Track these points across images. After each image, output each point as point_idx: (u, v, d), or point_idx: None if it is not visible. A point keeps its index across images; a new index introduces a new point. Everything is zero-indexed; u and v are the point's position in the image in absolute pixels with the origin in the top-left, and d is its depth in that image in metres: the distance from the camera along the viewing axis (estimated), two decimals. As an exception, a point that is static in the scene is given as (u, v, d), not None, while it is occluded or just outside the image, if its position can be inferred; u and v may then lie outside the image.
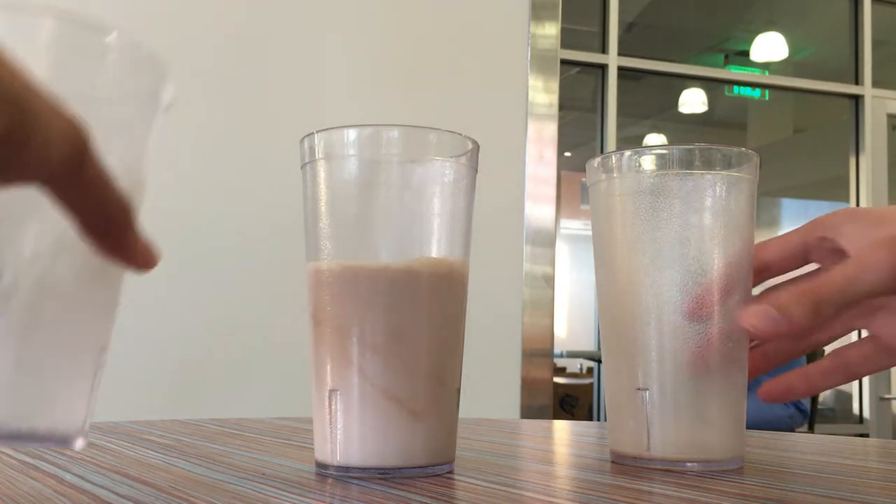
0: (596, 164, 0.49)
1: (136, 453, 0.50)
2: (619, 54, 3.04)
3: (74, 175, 0.26)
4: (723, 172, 0.46)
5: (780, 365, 0.51)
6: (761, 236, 0.49)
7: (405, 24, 2.03)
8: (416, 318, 0.42)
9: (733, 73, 4.15)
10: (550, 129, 2.10)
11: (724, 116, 5.68)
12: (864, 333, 0.50)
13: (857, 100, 3.49)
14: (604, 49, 3.05)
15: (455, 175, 0.44)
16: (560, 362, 5.28)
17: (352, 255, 0.43)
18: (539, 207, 2.08)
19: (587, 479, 0.43)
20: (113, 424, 0.67)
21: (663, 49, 4.69)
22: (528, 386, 2.04)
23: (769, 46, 4.42)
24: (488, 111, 2.05)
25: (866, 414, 3.49)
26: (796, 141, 5.14)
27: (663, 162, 0.46)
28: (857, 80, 3.49)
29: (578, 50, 3.02)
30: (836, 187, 3.88)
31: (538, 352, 2.06)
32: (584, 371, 5.70)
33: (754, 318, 0.42)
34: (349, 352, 0.42)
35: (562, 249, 7.20)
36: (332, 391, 0.42)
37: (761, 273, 0.49)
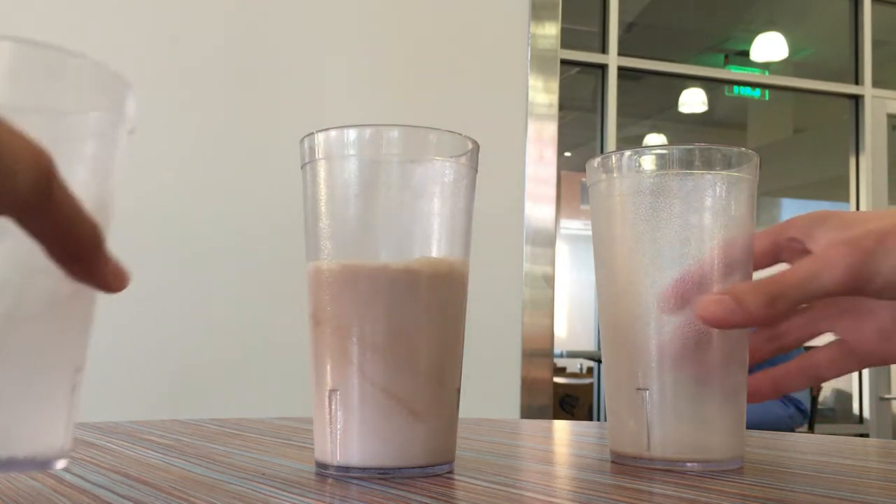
0: (596, 165, 0.49)
1: (136, 453, 0.50)
2: (619, 54, 3.04)
3: (42, 203, 0.26)
4: (723, 172, 0.46)
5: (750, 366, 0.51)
6: (761, 236, 0.49)
7: (405, 24, 2.03)
8: (416, 318, 0.42)
9: (733, 73, 4.15)
10: (550, 129, 2.10)
11: (724, 116, 5.69)
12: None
13: (857, 100, 3.49)
14: (604, 49, 3.05)
15: (455, 175, 0.44)
16: (560, 362, 5.28)
17: (352, 255, 0.43)
18: (539, 207, 2.08)
19: (587, 479, 0.43)
20: (113, 424, 0.67)
21: (663, 49, 4.70)
22: (528, 386, 2.04)
23: (769, 46, 4.42)
24: (488, 111, 2.05)
25: (866, 414, 3.49)
26: (796, 141, 5.14)
27: (663, 162, 0.46)
28: (857, 80, 3.49)
29: (578, 50, 3.02)
30: (836, 187, 3.88)
31: (538, 352, 2.06)
32: (584, 371, 5.71)
33: (710, 306, 0.42)
34: (349, 352, 0.42)
35: (562, 249, 7.20)
36: (332, 391, 0.42)
37: None
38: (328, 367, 0.43)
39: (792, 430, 2.36)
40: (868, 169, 3.45)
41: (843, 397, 3.79)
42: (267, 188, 1.86)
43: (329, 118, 1.88)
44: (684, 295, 0.45)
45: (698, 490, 0.39)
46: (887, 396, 3.51)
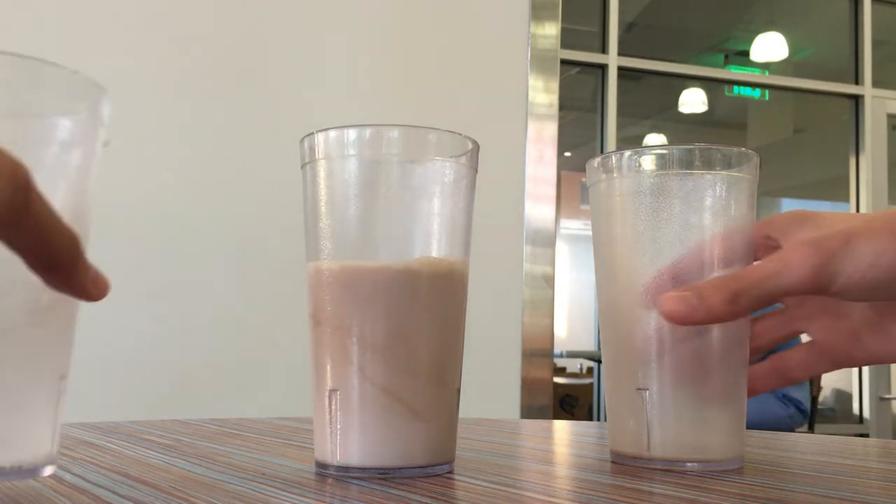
0: (596, 165, 0.49)
1: (136, 453, 0.50)
2: (619, 54, 3.04)
3: (20, 216, 0.26)
4: (723, 172, 0.46)
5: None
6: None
7: (405, 24, 2.03)
8: (416, 318, 0.42)
9: (733, 73, 4.15)
10: (550, 129, 2.10)
11: (724, 116, 5.69)
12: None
13: (857, 100, 3.49)
14: (604, 49, 3.05)
15: (455, 175, 0.44)
16: (560, 362, 5.28)
17: (352, 255, 0.43)
18: (539, 207, 2.08)
19: (587, 479, 0.43)
20: (113, 424, 0.67)
21: (663, 49, 4.70)
22: (528, 386, 2.04)
23: (769, 46, 4.42)
24: (488, 111, 2.05)
25: (866, 414, 3.49)
26: (796, 141, 5.14)
27: (663, 162, 0.46)
28: (857, 80, 3.49)
29: (578, 50, 3.02)
30: (836, 187, 3.88)
31: (538, 352, 2.06)
32: (584, 371, 5.71)
33: (672, 302, 0.42)
34: (349, 352, 0.42)
35: (562, 249, 7.20)
36: (332, 391, 0.42)
37: None
38: (328, 367, 0.43)
39: (792, 430, 2.36)
40: (868, 169, 3.45)
41: (843, 397, 3.79)
42: (267, 188, 1.86)
43: (329, 118, 1.88)
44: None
45: (698, 490, 0.39)
46: (887, 396, 3.51)
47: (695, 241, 0.45)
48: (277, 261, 1.82)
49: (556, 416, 4.26)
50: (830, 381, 3.80)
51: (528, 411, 2.03)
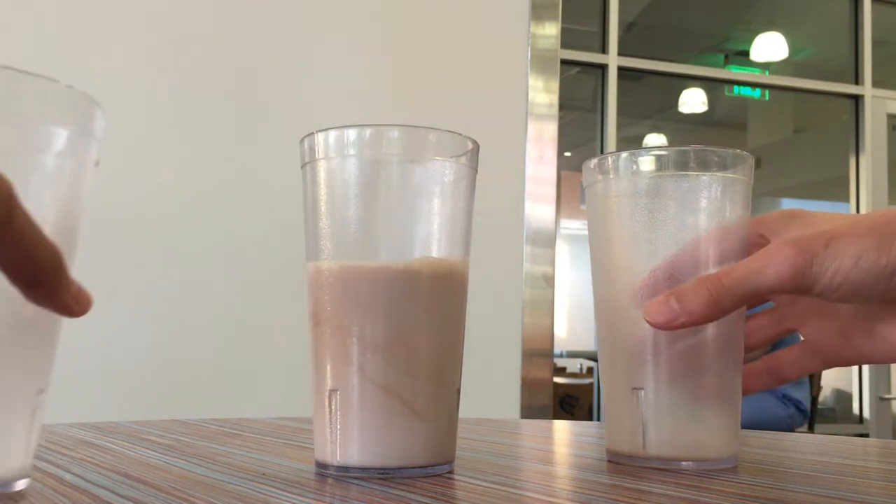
0: (592, 166, 0.49)
1: (136, 453, 0.50)
2: (619, 54, 3.04)
3: (2, 230, 0.26)
4: (718, 174, 0.46)
5: None
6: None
7: (405, 24, 2.03)
8: (416, 318, 0.42)
9: (733, 73, 4.15)
10: (550, 129, 2.10)
11: (724, 116, 5.69)
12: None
13: (857, 100, 3.49)
14: (604, 49, 3.05)
15: (455, 175, 0.44)
16: (560, 362, 5.28)
17: (352, 255, 0.43)
18: (539, 207, 2.08)
19: (587, 479, 0.43)
20: (113, 424, 0.67)
21: (663, 49, 4.70)
22: (528, 386, 2.04)
23: (769, 46, 4.42)
24: (488, 111, 2.05)
25: (866, 414, 3.49)
26: (796, 141, 5.14)
27: (659, 163, 0.46)
28: (857, 80, 3.49)
29: (578, 50, 3.02)
30: (836, 187, 3.88)
31: (538, 352, 2.06)
32: (584, 371, 5.70)
33: (655, 309, 0.42)
34: (349, 352, 0.42)
35: (562, 249, 7.20)
36: (332, 391, 0.42)
37: None
38: (328, 367, 0.43)
39: (792, 430, 2.36)
40: (868, 169, 3.45)
41: (843, 397, 3.79)
42: (267, 188, 1.86)
43: (329, 118, 1.88)
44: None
45: (698, 490, 0.39)
46: (887, 396, 3.51)
47: (691, 242, 0.45)
48: (277, 261, 1.82)
49: (556, 416, 4.26)
50: (830, 381, 3.80)
51: (528, 411, 2.03)
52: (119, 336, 1.74)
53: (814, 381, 2.53)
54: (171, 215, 1.81)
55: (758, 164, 0.51)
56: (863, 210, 3.51)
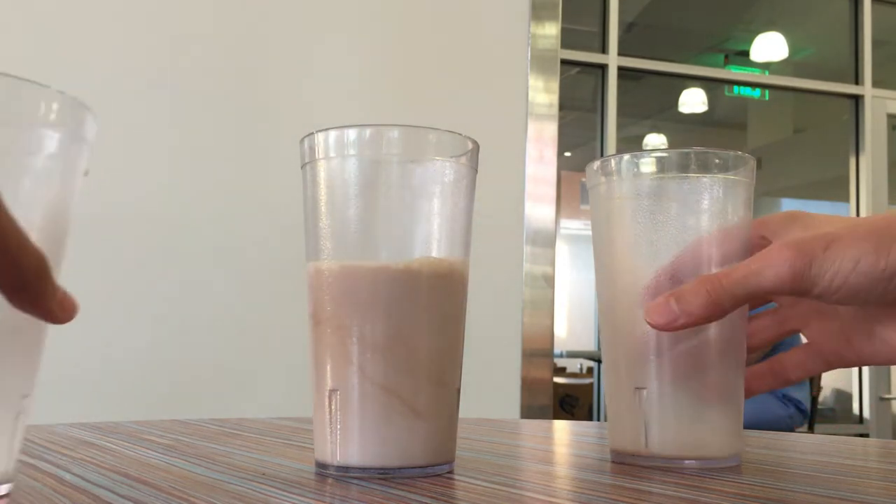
0: (595, 168, 0.50)
1: (136, 453, 0.50)
2: (619, 54, 3.04)
3: None
4: (720, 175, 0.46)
5: None
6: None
7: (405, 24, 2.03)
8: (416, 318, 0.42)
9: (733, 73, 4.15)
10: (550, 129, 2.10)
11: (724, 116, 5.69)
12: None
13: (857, 100, 3.49)
14: (604, 49, 3.05)
15: (455, 175, 0.44)
16: (560, 362, 5.28)
17: (352, 255, 0.43)
18: (539, 207, 2.08)
19: (587, 479, 0.43)
20: (113, 424, 0.67)
21: (663, 49, 4.69)
22: (528, 386, 2.04)
23: (769, 46, 4.42)
24: (488, 111, 2.05)
25: (866, 414, 3.49)
26: (796, 141, 5.14)
27: (661, 165, 0.47)
28: (857, 80, 3.49)
29: (578, 50, 3.02)
30: (836, 187, 3.88)
31: (538, 352, 2.06)
32: (584, 371, 5.70)
33: (655, 311, 0.43)
34: (349, 352, 0.42)
35: (562, 249, 7.20)
36: (332, 391, 0.42)
37: None
38: (328, 367, 0.43)
39: (792, 430, 2.36)
40: (868, 169, 3.45)
41: (843, 397, 3.79)
42: (267, 188, 1.86)
43: (329, 118, 1.88)
44: None
45: (698, 490, 0.39)
46: (887, 396, 3.51)
47: (693, 243, 0.46)
48: (277, 261, 1.82)
49: (556, 416, 4.26)
50: (830, 381, 3.80)
51: (528, 411, 2.03)
52: (119, 336, 1.74)
53: (814, 382, 2.53)
54: (170, 215, 1.81)
55: (758, 164, 0.51)
56: (863, 210, 3.51)
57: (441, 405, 0.43)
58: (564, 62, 2.34)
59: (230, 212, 1.85)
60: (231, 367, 1.83)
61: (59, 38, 1.76)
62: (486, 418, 0.79)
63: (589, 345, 5.35)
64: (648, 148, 6.15)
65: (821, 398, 3.15)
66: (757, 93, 4.74)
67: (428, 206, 0.43)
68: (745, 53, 4.58)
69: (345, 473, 0.42)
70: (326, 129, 0.43)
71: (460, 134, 0.44)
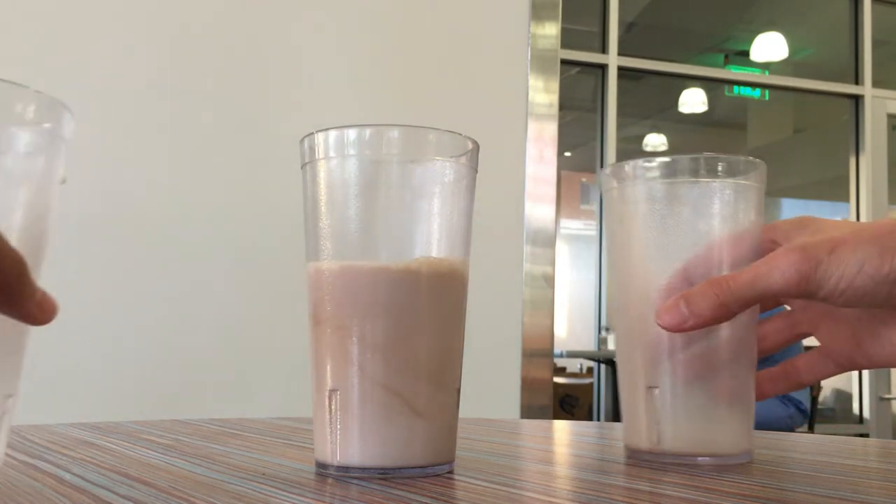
0: (608, 172, 0.51)
1: (136, 453, 0.50)
2: (619, 54, 3.05)
3: None
4: (730, 180, 0.48)
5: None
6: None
7: (405, 24, 2.03)
8: (416, 318, 0.42)
9: (733, 73, 4.15)
10: (550, 129, 2.10)
11: (724, 116, 5.69)
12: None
13: (857, 100, 3.49)
14: (604, 49, 3.05)
15: (455, 175, 0.44)
16: (560, 362, 5.28)
17: (352, 255, 0.43)
18: (539, 207, 2.08)
19: (587, 479, 0.43)
20: (113, 424, 0.67)
21: (663, 49, 4.69)
22: (528, 386, 2.04)
23: (769, 46, 4.42)
24: (488, 111, 2.05)
25: (866, 414, 3.49)
26: (796, 141, 5.14)
27: (673, 170, 0.48)
28: (857, 80, 3.49)
29: (578, 50, 3.02)
30: (836, 187, 3.89)
31: (538, 352, 2.06)
32: (584, 371, 5.70)
33: (665, 313, 0.44)
34: (349, 352, 0.42)
35: (562, 249, 7.20)
36: (332, 391, 0.42)
37: None
38: (328, 367, 0.43)
39: (792, 430, 2.36)
40: (868, 169, 3.45)
41: (843, 397, 3.79)
42: (267, 188, 1.86)
43: (329, 118, 1.88)
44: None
45: (698, 490, 0.39)
46: (887, 396, 3.51)
47: (706, 246, 0.47)
48: (277, 261, 1.82)
49: (556, 416, 4.26)
50: (830, 381, 3.80)
51: (528, 411, 2.03)
52: (119, 336, 1.74)
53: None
54: (170, 215, 1.81)
55: None
56: (863, 210, 3.51)
57: (441, 405, 0.43)
58: (564, 62, 2.34)
59: (230, 212, 1.85)
60: (231, 367, 1.83)
61: (59, 38, 1.76)
62: (486, 418, 0.79)
63: (589, 345, 5.35)
64: (648, 148, 6.16)
65: (821, 398, 3.15)
66: (757, 93, 4.74)
67: (428, 206, 0.43)
68: (745, 53, 4.58)
69: (345, 473, 0.42)
70: (326, 129, 0.43)
71: (460, 134, 0.44)
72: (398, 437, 0.41)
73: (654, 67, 3.25)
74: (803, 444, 0.62)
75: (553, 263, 2.09)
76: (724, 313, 0.43)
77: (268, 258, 1.85)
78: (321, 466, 0.43)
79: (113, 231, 1.75)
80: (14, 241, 0.28)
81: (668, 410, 0.48)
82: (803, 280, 0.42)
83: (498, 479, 0.42)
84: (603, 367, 3.92)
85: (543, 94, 2.11)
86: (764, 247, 0.48)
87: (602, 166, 3.40)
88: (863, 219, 3.56)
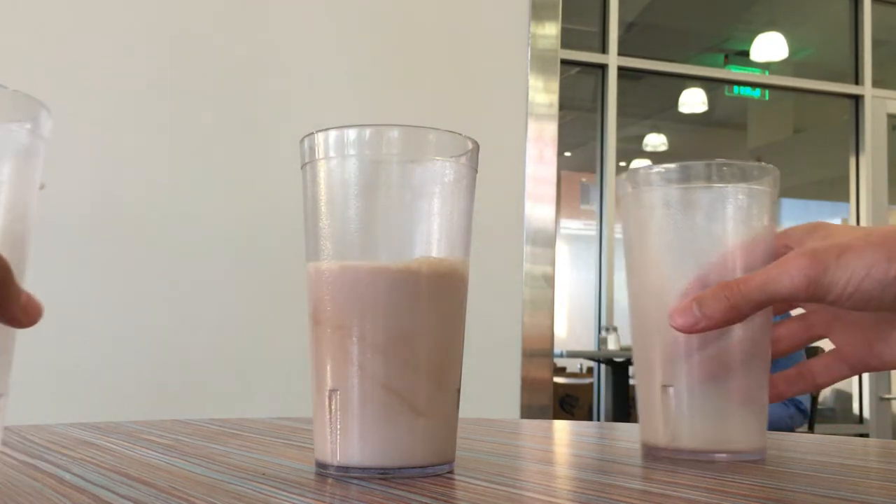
0: (624, 178, 0.53)
1: (136, 453, 0.50)
2: (619, 54, 3.05)
3: None
4: (743, 185, 0.49)
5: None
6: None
7: (405, 23, 2.03)
8: (416, 318, 0.42)
9: (733, 73, 4.15)
10: (550, 129, 2.10)
11: (724, 116, 5.69)
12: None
13: (857, 100, 3.49)
14: (604, 49, 3.05)
15: (455, 175, 0.44)
16: (560, 362, 5.28)
17: (352, 256, 0.43)
18: (539, 207, 2.08)
19: (587, 479, 0.43)
20: (113, 424, 0.67)
21: (663, 49, 4.69)
22: (528, 386, 2.04)
23: (769, 46, 4.42)
24: (488, 111, 2.05)
25: (866, 414, 3.49)
26: (796, 141, 5.14)
27: (687, 175, 0.49)
28: (857, 80, 3.49)
29: (578, 50, 3.02)
30: (836, 187, 3.89)
31: (538, 352, 2.06)
32: (584, 371, 5.70)
33: (678, 315, 0.46)
34: (349, 352, 0.42)
35: (562, 249, 7.20)
36: (332, 391, 0.42)
37: None
38: (328, 367, 0.43)
39: (792, 430, 2.36)
40: (868, 169, 3.45)
41: (843, 397, 3.79)
42: (267, 188, 1.86)
43: (329, 118, 1.88)
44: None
45: (698, 490, 0.39)
46: (887, 396, 3.51)
47: (720, 251, 0.49)
48: (277, 261, 1.82)
49: (556, 416, 4.26)
50: (830, 381, 3.80)
51: (528, 411, 2.03)
52: (119, 336, 1.74)
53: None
54: (170, 215, 1.81)
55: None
56: (862, 210, 3.51)
57: (441, 405, 0.43)
58: (564, 62, 2.34)
59: (230, 212, 1.85)
60: (231, 367, 1.83)
61: (59, 38, 1.76)
62: (486, 418, 0.79)
63: (589, 345, 5.35)
64: (648, 149, 6.16)
65: (821, 398, 3.14)
66: (757, 93, 4.74)
67: (428, 206, 0.43)
68: (745, 53, 4.58)
69: (345, 473, 0.42)
70: (326, 129, 0.43)
71: (460, 134, 0.44)
72: (398, 437, 0.41)
73: (654, 67, 3.26)
74: (803, 444, 0.62)
75: (553, 263, 2.09)
76: (735, 315, 0.45)
77: (268, 258, 1.85)
78: (321, 466, 0.43)
79: (113, 231, 1.74)
80: None
81: (683, 409, 0.49)
82: (811, 284, 0.43)
83: (498, 479, 0.42)
84: (603, 367, 3.92)
85: (543, 94, 2.11)
86: (778, 252, 0.50)
87: (602, 166, 3.40)
88: (862, 219, 3.55)
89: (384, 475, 0.41)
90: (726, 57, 4.85)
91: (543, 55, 2.11)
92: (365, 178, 0.43)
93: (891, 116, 3.52)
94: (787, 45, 4.38)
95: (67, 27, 1.77)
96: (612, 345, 3.69)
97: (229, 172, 1.86)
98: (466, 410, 0.52)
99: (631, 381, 3.98)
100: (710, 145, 6.26)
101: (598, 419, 3.99)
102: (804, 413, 2.38)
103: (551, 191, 2.09)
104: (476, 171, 0.46)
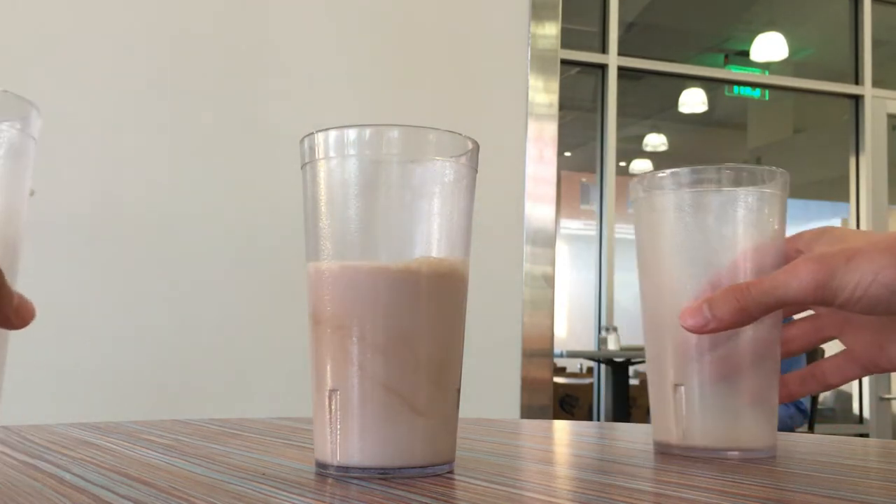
0: (637, 182, 0.54)
1: (136, 453, 0.50)
2: (619, 54, 3.05)
3: None
4: (753, 188, 0.50)
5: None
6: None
7: (405, 23, 2.03)
8: (416, 318, 0.42)
9: (733, 73, 4.16)
10: (550, 129, 2.10)
11: (724, 116, 5.69)
12: None
13: (857, 100, 3.49)
14: (604, 49, 3.05)
15: (455, 175, 0.44)
16: (560, 362, 5.28)
17: (352, 256, 0.43)
18: (539, 207, 2.08)
19: (587, 479, 0.43)
20: (113, 424, 0.67)
21: (663, 49, 4.70)
22: (528, 386, 2.04)
23: (769, 46, 4.42)
24: (488, 111, 2.05)
25: (866, 414, 3.49)
26: (796, 141, 5.14)
27: (699, 179, 0.51)
28: (857, 80, 3.49)
29: (578, 50, 3.02)
30: (836, 187, 3.89)
31: (538, 352, 2.06)
32: (584, 371, 5.70)
33: (689, 316, 0.47)
34: (349, 352, 0.42)
35: (562, 249, 7.20)
36: (332, 391, 0.42)
37: None
38: (328, 367, 0.43)
39: (792, 430, 2.36)
40: (868, 169, 3.45)
41: (843, 397, 3.79)
42: (267, 188, 1.86)
43: (329, 118, 1.88)
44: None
45: (698, 490, 0.39)
46: (887, 396, 3.51)
47: (732, 254, 0.50)
48: (277, 261, 1.82)
49: (556, 416, 4.26)
50: (830, 381, 3.80)
51: (528, 411, 2.03)
52: (119, 336, 1.74)
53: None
54: (170, 215, 1.81)
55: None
56: (862, 210, 3.51)
57: (441, 405, 0.43)
58: (564, 62, 2.34)
59: (230, 212, 1.85)
60: (231, 368, 1.83)
61: (59, 38, 1.76)
62: (486, 418, 0.79)
63: (589, 345, 5.34)
64: (648, 149, 6.15)
65: (821, 398, 3.15)
66: (757, 93, 4.74)
67: (428, 206, 0.43)
68: (745, 53, 4.58)
69: (345, 473, 0.42)
70: (326, 129, 0.43)
71: (460, 134, 0.44)
72: (398, 437, 0.41)
73: (654, 67, 3.26)
74: (803, 444, 0.62)
75: (553, 263, 2.09)
76: (744, 317, 0.46)
77: (268, 258, 1.85)
78: (321, 466, 0.43)
79: (113, 231, 1.74)
80: None
81: (694, 407, 0.50)
82: (819, 288, 0.44)
83: (498, 479, 0.42)
84: (603, 367, 3.92)
85: (543, 94, 2.11)
86: (788, 255, 0.50)
87: (602, 166, 3.40)
88: (862, 219, 3.55)
89: (384, 475, 0.41)
90: (726, 57, 4.85)
91: (543, 55, 2.11)
92: (365, 178, 0.43)
93: (891, 116, 3.52)
94: (787, 45, 4.38)
95: (67, 27, 1.77)
96: (611, 345, 3.69)
97: (229, 172, 1.86)
98: (466, 410, 0.52)
99: (631, 381, 3.98)
100: (710, 145, 6.26)
101: (598, 419, 3.99)
102: (804, 413, 2.38)
103: (551, 191, 2.10)
104: (476, 171, 0.46)
